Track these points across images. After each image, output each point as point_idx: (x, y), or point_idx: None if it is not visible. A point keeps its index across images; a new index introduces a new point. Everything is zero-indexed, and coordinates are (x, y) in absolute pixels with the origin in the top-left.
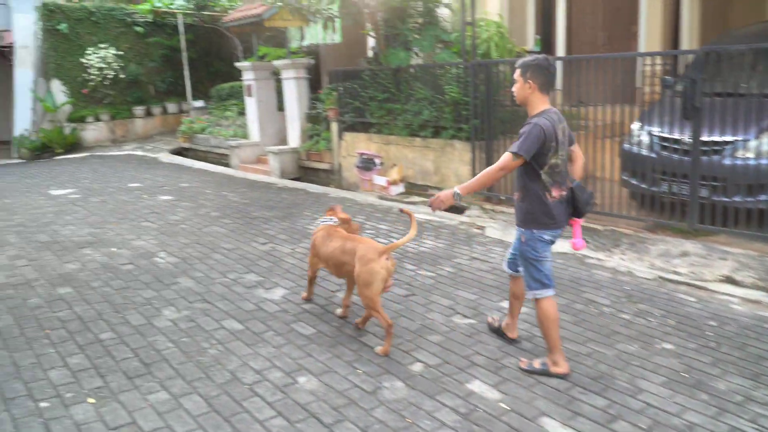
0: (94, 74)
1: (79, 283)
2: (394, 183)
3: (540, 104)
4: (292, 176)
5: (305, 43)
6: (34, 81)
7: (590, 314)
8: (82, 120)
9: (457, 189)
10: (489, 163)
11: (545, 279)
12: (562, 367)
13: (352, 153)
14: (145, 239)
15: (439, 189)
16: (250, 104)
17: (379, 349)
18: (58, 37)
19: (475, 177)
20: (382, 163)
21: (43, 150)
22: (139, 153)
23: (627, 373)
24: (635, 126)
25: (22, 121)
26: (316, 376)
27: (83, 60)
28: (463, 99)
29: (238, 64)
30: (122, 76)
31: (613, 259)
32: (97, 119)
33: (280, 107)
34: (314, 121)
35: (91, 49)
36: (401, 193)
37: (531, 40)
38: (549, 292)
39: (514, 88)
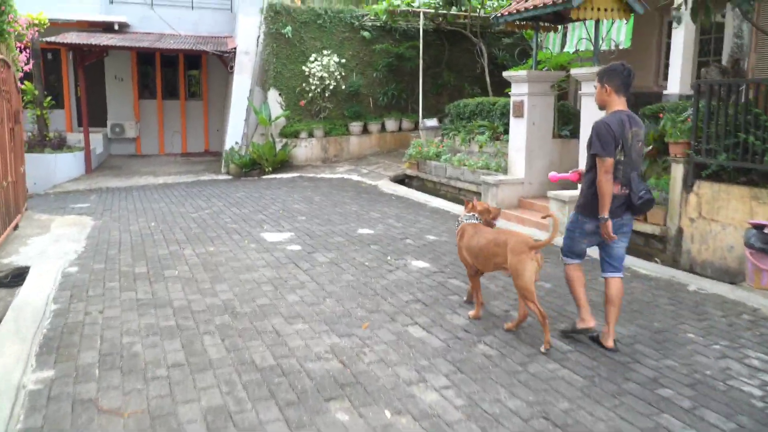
0: (314, 84)
1: None
2: None
3: (615, 105)
4: None
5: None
6: (251, 90)
7: None
8: (295, 135)
9: (603, 215)
10: None
11: (569, 251)
12: (587, 323)
13: (712, 216)
14: (433, 380)
15: None
16: (517, 127)
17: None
18: (280, 42)
19: (600, 198)
20: None
21: (251, 167)
22: (355, 177)
23: None
24: None
25: (234, 133)
26: None
27: (304, 68)
28: None
29: (506, 74)
30: (342, 87)
31: None
32: (310, 135)
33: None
34: None
35: (314, 55)
36: None
37: None
38: (571, 261)
39: (596, 95)
